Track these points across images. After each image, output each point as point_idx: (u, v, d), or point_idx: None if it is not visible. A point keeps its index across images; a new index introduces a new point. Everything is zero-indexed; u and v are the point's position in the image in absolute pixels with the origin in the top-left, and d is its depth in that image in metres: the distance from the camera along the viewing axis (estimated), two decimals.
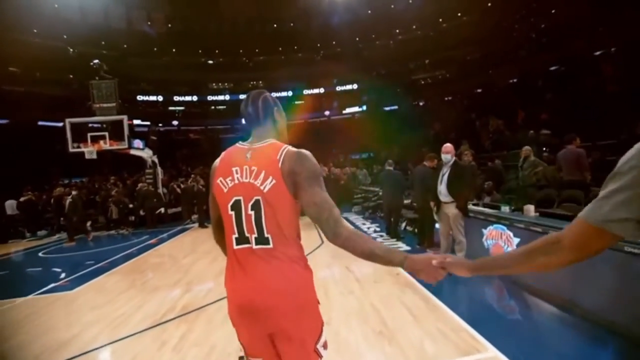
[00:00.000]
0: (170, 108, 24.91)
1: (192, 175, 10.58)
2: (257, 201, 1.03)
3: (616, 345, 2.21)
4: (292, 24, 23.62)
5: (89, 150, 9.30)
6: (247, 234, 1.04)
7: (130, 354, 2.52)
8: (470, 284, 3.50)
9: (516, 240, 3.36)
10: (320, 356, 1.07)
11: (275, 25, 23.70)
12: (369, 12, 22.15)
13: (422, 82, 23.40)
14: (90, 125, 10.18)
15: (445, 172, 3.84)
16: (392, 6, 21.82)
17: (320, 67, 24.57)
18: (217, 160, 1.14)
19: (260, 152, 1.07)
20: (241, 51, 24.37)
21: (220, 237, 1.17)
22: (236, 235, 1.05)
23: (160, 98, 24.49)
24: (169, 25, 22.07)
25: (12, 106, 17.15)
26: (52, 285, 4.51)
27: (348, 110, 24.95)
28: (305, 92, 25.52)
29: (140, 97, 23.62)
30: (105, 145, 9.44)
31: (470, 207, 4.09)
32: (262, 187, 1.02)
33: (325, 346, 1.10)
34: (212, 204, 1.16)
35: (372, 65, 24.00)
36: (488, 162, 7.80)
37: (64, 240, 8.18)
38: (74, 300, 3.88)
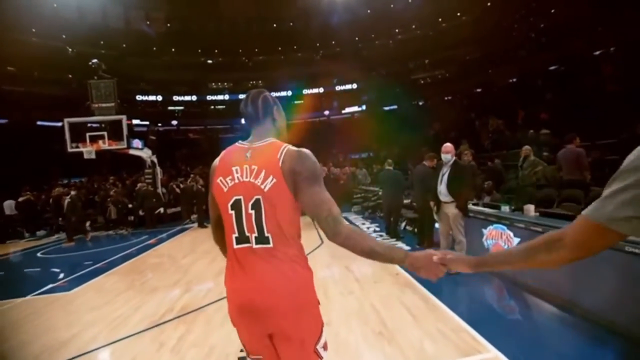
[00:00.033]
0: (170, 108, 24.88)
1: (192, 175, 10.56)
2: (258, 200, 1.02)
3: (617, 345, 2.20)
4: (291, 24, 23.59)
5: (88, 150, 9.27)
6: (247, 233, 1.04)
7: (129, 355, 2.50)
8: (470, 284, 3.50)
9: (516, 240, 3.36)
10: (321, 357, 1.06)
11: (274, 25, 23.67)
12: (369, 11, 22.14)
13: (422, 82, 23.40)
14: (89, 125, 10.15)
15: (445, 172, 3.82)
16: (392, 6, 21.81)
17: (319, 66, 24.56)
18: (217, 160, 1.13)
19: (261, 151, 1.07)
20: (240, 51, 24.33)
21: (220, 237, 1.17)
22: (236, 235, 1.05)
23: (159, 98, 24.46)
24: (168, 24, 22.02)
25: (10, 106, 17.12)
26: (51, 285, 4.49)
27: (348, 109, 24.95)
28: (305, 91, 25.50)
29: (139, 97, 23.58)
30: (104, 145, 9.41)
31: (470, 206, 4.08)
32: (262, 186, 1.02)
33: (325, 347, 1.09)
34: (212, 203, 1.15)
35: (372, 64, 24.00)
36: (488, 161, 7.80)
37: (63, 241, 8.16)
38: (73, 301, 3.87)
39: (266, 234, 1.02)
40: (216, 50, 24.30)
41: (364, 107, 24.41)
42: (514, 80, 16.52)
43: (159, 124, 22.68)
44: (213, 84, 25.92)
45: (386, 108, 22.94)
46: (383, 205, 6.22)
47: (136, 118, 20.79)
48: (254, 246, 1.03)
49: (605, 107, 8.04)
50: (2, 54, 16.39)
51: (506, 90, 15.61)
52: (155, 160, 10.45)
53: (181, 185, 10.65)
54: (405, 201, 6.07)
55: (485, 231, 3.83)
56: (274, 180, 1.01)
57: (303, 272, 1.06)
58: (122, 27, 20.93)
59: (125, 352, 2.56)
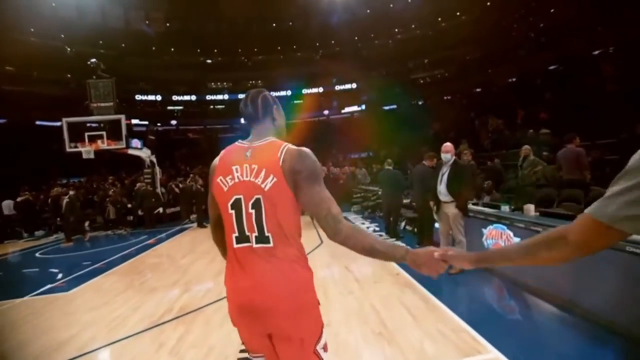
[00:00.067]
0: (169, 107, 24.86)
1: (191, 175, 10.54)
2: (258, 200, 1.02)
3: (617, 345, 2.20)
4: (291, 23, 23.58)
5: (87, 150, 9.24)
6: (247, 233, 1.03)
7: (128, 356, 2.49)
8: (470, 284, 3.49)
9: (516, 240, 3.34)
10: (321, 358, 1.06)
11: (274, 25, 23.66)
12: (368, 11, 22.14)
13: (422, 82, 23.41)
14: (88, 124, 10.12)
15: (445, 172, 3.81)
16: (391, 5, 21.82)
17: (319, 66, 24.55)
18: (217, 159, 1.13)
19: (261, 151, 1.07)
20: (240, 50, 24.32)
21: (219, 237, 1.17)
22: (236, 234, 1.04)
23: (158, 97, 24.43)
24: (167, 24, 21.99)
25: (9, 106, 17.07)
26: (49, 286, 4.47)
27: (347, 109, 24.95)
28: (305, 91, 25.51)
29: (138, 97, 23.56)
30: (103, 145, 9.38)
31: (470, 206, 4.07)
32: (263, 186, 1.02)
33: (325, 349, 1.08)
34: (212, 203, 1.15)
35: (371, 64, 23.99)
36: (487, 161, 7.80)
37: (62, 241, 8.14)
38: (71, 302, 3.85)
39: (266, 234, 1.02)
40: (215, 50, 24.28)
41: (363, 106, 24.41)
42: (514, 80, 16.54)
43: (158, 124, 22.65)
44: (212, 83, 25.91)
45: (386, 108, 22.94)
46: (383, 205, 6.21)
47: (135, 118, 20.77)
48: (254, 245, 1.03)
49: (604, 107, 8.04)
50: (1, 54, 16.37)
51: (506, 90, 15.63)
52: (155, 160, 10.43)
53: (180, 185, 10.63)
54: (405, 201, 6.06)
55: (485, 231, 3.83)
56: (275, 179, 1.01)
57: (303, 272, 1.06)
58: (122, 27, 20.90)
59: (124, 353, 2.54)
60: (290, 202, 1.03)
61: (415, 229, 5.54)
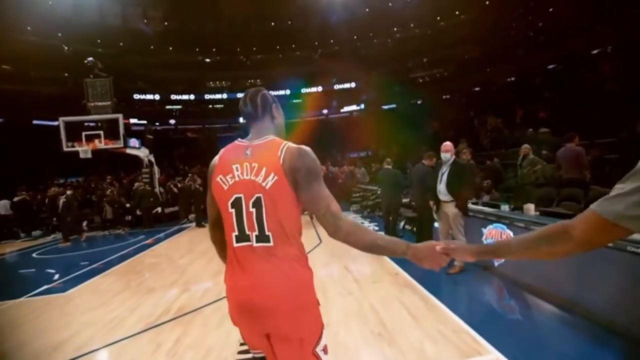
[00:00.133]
0: (167, 107, 24.76)
1: (190, 175, 10.49)
2: (259, 198, 1.01)
3: (617, 345, 2.18)
4: (290, 22, 23.53)
5: (84, 150, 9.19)
6: (247, 232, 1.03)
7: (125, 357, 2.47)
8: (470, 284, 3.47)
9: None
10: None
11: (273, 24, 23.60)
12: (367, 10, 22.10)
13: (421, 81, 23.38)
14: (85, 124, 10.06)
15: (444, 171, 3.79)
16: (390, 4, 21.79)
17: (318, 65, 24.51)
18: (216, 158, 1.12)
19: (261, 149, 1.07)
20: (239, 49, 24.25)
21: (217, 237, 1.17)
22: (236, 233, 1.04)
23: (157, 97, 24.34)
24: (166, 23, 21.90)
25: (6, 105, 16.95)
26: (46, 286, 4.43)
27: (346, 108, 24.92)
28: (304, 90, 25.46)
29: (136, 96, 23.46)
30: (100, 144, 9.33)
31: (470, 206, 4.05)
32: (263, 184, 1.01)
33: (325, 351, 1.06)
34: (211, 202, 1.14)
35: (371, 63, 23.94)
36: (487, 160, 7.77)
37: (59, 241, 8.09)
38: (68, 302, 3.81)
39: (267, 233, 1.01)
40: (214, 49, 24.20)
41: (362, 106, 24.39)
42: (513, 79, 16.51)
43: (157, 123, 22.53)
44: (211, 82, 25.83)
45: (385, 107, 22.92)
46: (382, 204, 6.19)
47: (134, 117, 20.70)
48: (254, 245, 1.02)
49: (604, 106, 8.03)
50: None
51: (505, 89, 15.60)
52: (153, 159, 10.39)
53: (179, 185, 10.59)
54: (404, 200, 6.04)
55: (485, 230, 3.81)
56: (276, 177, 1.01)
57: (303, 272, 1.05)
58: (120, 25, 20.80)
59: (120, 354, 2.52)
60: (291, 200, 1.03)
61: (415, 229, 5.52)
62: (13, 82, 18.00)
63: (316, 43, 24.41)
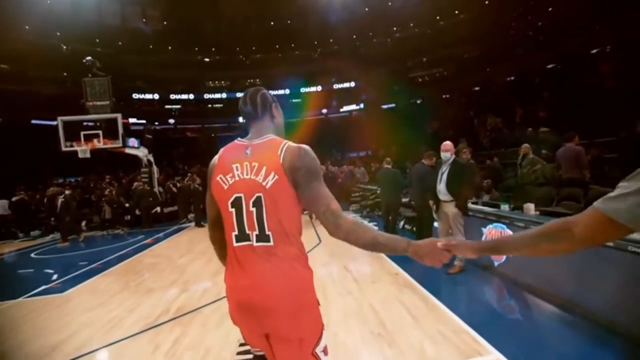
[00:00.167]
0: (167, 106, 24.71)
1: (189, 174, 10.47)
2: (259, 198, 1.01)
3: (617, 345, 2.18)
4: (289, 22, 23.49)
5: (82, 149, 9.16)
6: (247, 231, 1.03)
7: (124, 357, 2.46)
8: (470, 284, 3.47)
9: None
10: None
11: (272, 23, 23.55)
12: (366, 9, 22.08)
13: (420, 80, 23.37)
14: (84, 123, 10.02)
15: (444, 171, 3.78)
16: (390, 4, 21.77)
17: (317, 65, 24.49)
18: (216, 157, 1.12)
19: (261, 148, 1.06)
20: (238, 49, 24.20)
21: (217, 236, 1.17)
22: (236, 233, 1.04)
23: (156, 96, 24.28)
24: (165, 22, 21.84)
25: (4, 105, 16.89)
26: (44, 287, 4.41)
27: (346, 108, 24.90)
28: (303, 90, 25.43)
29: (135, 95, 23.40)
30: (99, 144, 9.30)
31: (470, 205, 4.04)
32: (264, 183, 1.01)
33: (325, 351, 1.06)
34: (210, 201, 1.14)
35: (370, 63, 23.92)
36: (486, 159, 7.77)
37: (58, 241, 8.06)
38: (66, 303, 3.80)
39: (267, 232, 1.01)
40: (213, 49, 24.15)
41: (362, 105, 24.38)
42: (512, 78, 16.52)
43: (156, 123, 22.46)
44: (210, 82, 25.78)
45: (384, 106, 22.91)
46: (381, 204, 6.18)
47: (133, 116, 20.65)
48: (255, 244, 1.02)
49: (603, 105, 8.03)
50: None
51: (504, 89, 15.60)
52: (152, 159, 10.36)
53: (178, 184, 10.56)
54: (404, 200, 6.03)
55: (484, 230, 3.80)
56: (276, 176, 1.00)
57: (303, 271, 1.05)
58: (118, 25, 20.73)
59: (119, 355, 2.51)
60: (291, 199, 1.03)
61: (414, 228, 5.51)
62: (11, 82, 17.92)
63: (316, 42, 24.37)
